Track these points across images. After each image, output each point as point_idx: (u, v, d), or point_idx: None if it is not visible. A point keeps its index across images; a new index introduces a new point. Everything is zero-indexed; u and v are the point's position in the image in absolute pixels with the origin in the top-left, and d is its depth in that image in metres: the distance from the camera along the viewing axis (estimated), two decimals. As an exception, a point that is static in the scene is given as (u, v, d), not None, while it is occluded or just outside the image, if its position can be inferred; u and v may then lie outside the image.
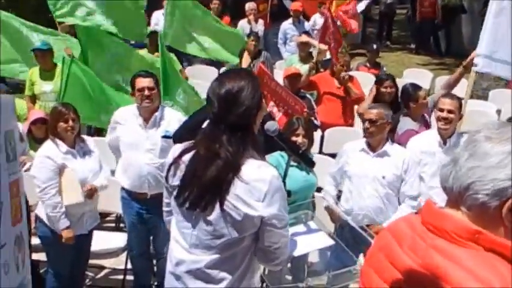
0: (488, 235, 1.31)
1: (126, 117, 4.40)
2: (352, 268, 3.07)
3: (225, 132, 2.14)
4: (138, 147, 4.29)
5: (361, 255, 3.85)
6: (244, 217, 2.09)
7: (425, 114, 5.41)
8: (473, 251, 1.30)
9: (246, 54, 7.99)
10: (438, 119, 4.34)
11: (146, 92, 4.24)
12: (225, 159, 2.10)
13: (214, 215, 2.12)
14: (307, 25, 10.37)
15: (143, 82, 4.26)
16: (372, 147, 4.10)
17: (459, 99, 4.47)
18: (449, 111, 4.30)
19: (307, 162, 2.66)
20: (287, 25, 10.15)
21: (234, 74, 2.24)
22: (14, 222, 2.82)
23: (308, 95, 6.67)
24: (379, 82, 5.90)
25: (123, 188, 4.47)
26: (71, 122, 4.13)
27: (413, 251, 1.39)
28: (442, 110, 4.33)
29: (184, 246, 2.25)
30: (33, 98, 6.51)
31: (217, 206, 2.10)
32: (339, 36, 7.37)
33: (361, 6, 11.09)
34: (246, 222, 2.11)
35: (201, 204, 2.13)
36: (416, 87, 5.38)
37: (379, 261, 1.50)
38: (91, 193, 4.23)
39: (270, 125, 2.58)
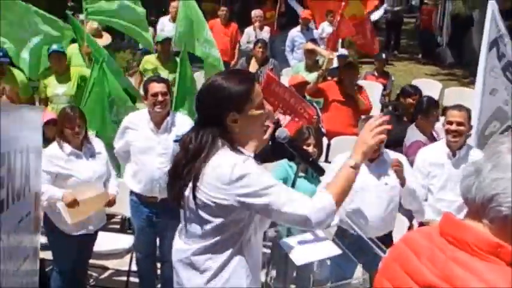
0: (510, 249, 1.29)
1: (137, 122, 4.42)
2: (353, 280, 3.07)
3: (198, 126, 2.31)
4: (149, 152, 4.30)
5: (359, 267, 3.86)
6: (215, 201, 2.17)
7: (435, 132, 5.37)
8: (494, 265, 1.29)
9: (253, 61, 8.00)
10: (447, 132, 4.25)
11: (160, 98, 4.25)
12: (190, 151, 2.23)
13: (192, 203, 2.23)
14: (316, 33, 10.34)
15: (157, 87, 4.27)
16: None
17: (468, 110, 4.38)
18: (459, 124, 4.22)
19: (317, 170, 2.65)
20: (295, 33, 10.12)
21: (220, 73, 2.43)
22: (35, 233, 2.86)
23: (314, 103, 6.68)
24: (406, 95, 5.92)
25: (132, 192, 4.49)
26: (76, 128, 4.16)
27: (432, 262, 1.38)
28: (451, 123, 4.23)
29: (180, 236, 2.39)
30: (45, 100, 6.50)
31: (191, 194, 2.21)
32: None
33: (374, 17, 11.04)
34: (219, 206, 2.18)
35: (177, 194, 2.28)
36: (431, 103, 5.34)
37: (394, 272, 1.49)
38: (112, 203, 4.38)
39: (280, 132, 2.58)
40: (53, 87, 6.37)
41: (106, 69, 5.67)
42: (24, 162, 2.55)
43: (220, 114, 2.24)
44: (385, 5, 11.23)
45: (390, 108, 6.54)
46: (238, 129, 2.26)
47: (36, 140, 2.88)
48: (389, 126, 2.33)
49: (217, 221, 2.21)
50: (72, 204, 4.07)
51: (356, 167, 2.26)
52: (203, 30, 6.88)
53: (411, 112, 5.73)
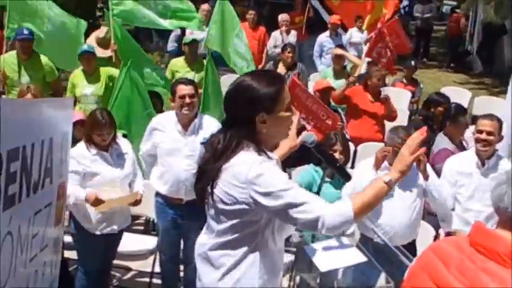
0: None
1: (165, 123, 4.44)
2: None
3: (226, 127, 2.32)
4: (177, 154, 4.32)
5: (383, 274, 3.82)
6: (233, 200, 2.20)
7: (464, 142, 5.28)
8: None
9: (281, 65, 7.99)
10: (477, 141, 4.20)
11: (187, 100, 4.28)
12: (218, 151, 2.25)
13: (212, 201, 2.27)
14: (344, 38, 10.28)
15: (185, 89, 4.30)
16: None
17: (499, 120, 4.30)
18: (489, 133, 4.16)
19: (343, 176, 2.63)
20: (324, 38, 10.05)
21: (249, 73, 2.45)
22: (56, 223, 2.86)
23: (339, 109, 6.63)
24: (435, 103, 5.90)
25: (157, 193, 4.51)
26: (105, 135, 4.17)
27: (461, 272, 1.36)
28: (481, 132, 4.18)
29: (205, 231, 2.44)
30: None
31: (211, 192, 2.25)
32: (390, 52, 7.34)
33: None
34: (235, 205, 2.20)
35: (201, 190, 2.31)
36: (459, 110, 5.28)
37: (421, 281, 1.47)
38: (139, 202, 4.32)
39: (307, 137, 2.56)
40: (82, 87, 6.41)
41: (133, 73, 5.69)
42: (46, 154, 2.55)
43: (249, 114, 2.25)
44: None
45: (419, 117, 6.44)
46: (266, 130, 2.27)
47: (63, 131, 2.88)
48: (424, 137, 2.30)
49: (234, 219, 2.24)
50: (97, 203, 4.09)
51: (390, 184, 2.21)
52: (236, 33, 6.80)
53: (440, 120, 5.68)
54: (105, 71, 6.50)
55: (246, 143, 2.24)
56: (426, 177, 3.93)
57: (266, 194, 2.15)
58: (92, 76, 6.44)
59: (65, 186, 2.99)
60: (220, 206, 2.25)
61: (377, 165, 4.00)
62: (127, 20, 6.75)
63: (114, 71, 6.31)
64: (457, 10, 14.67)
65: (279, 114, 2.27)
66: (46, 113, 2.64)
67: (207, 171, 2.28)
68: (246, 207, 2.20)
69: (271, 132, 2.30)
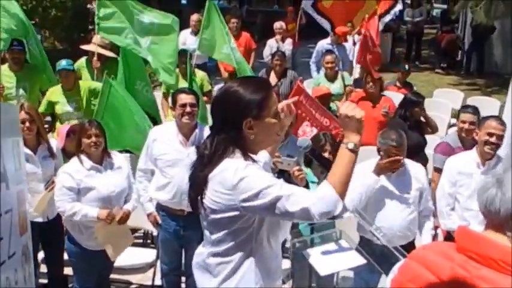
0: None
1: (165, 134, 4.42)
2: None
3: (213, 132, 2.32)
4: (178, 164, 4.26)
5: (383, 277, 3.81)
6: (222, 208, 2.20)
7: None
8: None
9: (272, 73, 8.00)
10: (485, 143, 4.21)
11: (188, 109, 4.27)
12: (205, 157, 2.26)
13: (203, 211, 2.28)
14: (348, 47, 9.91)
15: (186, 98, 4.30)
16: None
17: (504, 123, 4.34)
18: (499, 137, 4.20)
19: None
20: (325, 45, 9.71)
21: (236, 79, 2.50)
22: (21, 232, 2.83)
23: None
24: (411, 104, 6.02)
25: (158, 205, 4.49)
26: (93, 138, 4.16)
27: (456, 282, 1.31)
28: (491, 135, 4.20)
29: (202, 242, 2.45)
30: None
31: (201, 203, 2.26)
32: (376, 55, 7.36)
33: (385, 19, 10.85)
34: (227, 213, 2.20)
35: (194, 201, 2.30)
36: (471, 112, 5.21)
37: None
38: (125, 219, 4.28)
39: (302, 142, 2.58)
40: (62, 104, 6.25)
41: (118, 90, 5.61)
42: None
43: (236, 120, 2.24)
44: (396, 10, 10.91)
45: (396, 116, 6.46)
46: (253, 136, 2.26)
47: (12, 138, 2.81)
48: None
49: (226, 228, 2.25)
50: (110, 218, 4.12)
51: (355, 150, 2.19)
52: (225, 37, 6.83)
53: (418, 120, 5.97)
54: (84, 85, 6.39)
55: (232, 148, 2.24)
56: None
57: (253, 196, 2.15)
58: (71, 91, 6.29)
59: (24, 194, 2.96)
60: (211, 215, 2.26)
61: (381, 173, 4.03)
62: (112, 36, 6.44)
63: (96, 84, 6.25)
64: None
65: (265, 120, 2.26)
66: None
67: (196, 179, 2.29)
68: (236, 213, 2.20)
69: (258, 138, 2.29)
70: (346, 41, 10.00)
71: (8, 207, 2.65)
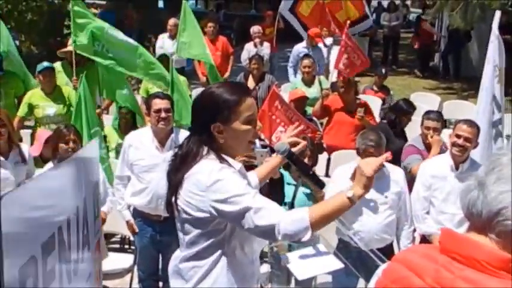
0: None
1: (141, 140, 4.37)
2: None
3: (190, 133, 2.37)
4: (155, 169, 4.23)
5: (361, 281, 3.83)
6: (194, 209, 2.20)
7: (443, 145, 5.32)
8: (506, 281, 1.24)
9: (250, 77, 7.99)
10: (453, 145, 4.23)
11: (163, 114, 4.23)
12: (178, 158, 2.28)
13: (177, 212, 2.28)
14: (324, 51, 9.96)
15: (160, 104, 4.25)
16: None
17: (478, 127, 4.34)
18: (466, 139, 4.19)
19: (317, 183, 2.62)
20: (301, 49, 9.69)
21: (218, 82, 2.52)
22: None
23: (314, 118, 6.65)
24: (402, 112, 6.08)
25: (135, 210, 4.46)
26: (71, 144, 4.14)
27: (439, 283, 1.32)
28: (459, 137, 4.21)
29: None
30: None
31: (175, 203, 2.26)
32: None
33: (357, 29, 10.93)
34: (199, 214, 2.20)
35: (169, 202, 2.30)
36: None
37: None
38: (103, 221, 4.24)
39: (280, 146, 2.57)
40: (43, 108, 6.12)
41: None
42: (82, 222, 2.54)
43: (206, 122, 2.25)
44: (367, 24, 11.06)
45: (384, 120, 6.50)
46: (223, 141, 2.26)
47: (92, 183, 2.81)
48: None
49: (198, 229, 2.25)
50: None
51: (353, 200, 2.11)
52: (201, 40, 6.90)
53: (403, 129, 6.06)
54: (67, 90, 6.27)
55: (205, 150, 2.24)
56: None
57: (223, 201, 2.13)
58: (52, 95, 6.17)
59: (100, 242, 2.92)
60: (184, 216, 2.25)
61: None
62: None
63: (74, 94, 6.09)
64: (423, 16, 14.88)
65: (233, 125, 2.24)
66: (74, 174, 2.51)
67: (171, 180, 2.29)
68: (207, 215, 2.19)
69: (228, 143, 2.27)
70: (321, 41, 10.04)
71: (89, 271, 2.64)
